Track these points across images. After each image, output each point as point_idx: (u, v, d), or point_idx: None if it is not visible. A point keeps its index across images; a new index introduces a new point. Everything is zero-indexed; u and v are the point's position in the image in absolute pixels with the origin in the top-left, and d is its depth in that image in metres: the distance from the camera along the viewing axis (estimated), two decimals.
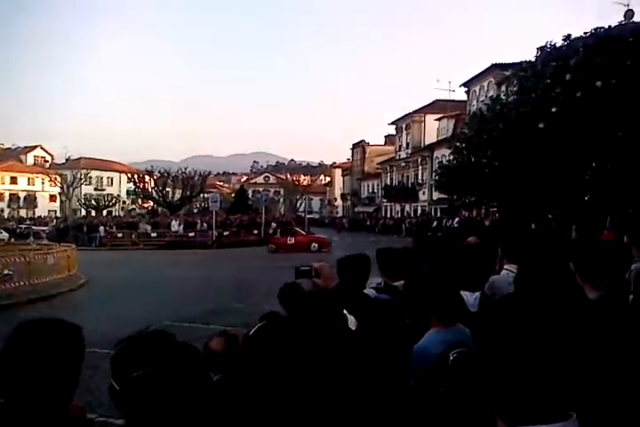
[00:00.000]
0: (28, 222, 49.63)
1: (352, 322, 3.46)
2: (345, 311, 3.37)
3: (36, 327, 1.87)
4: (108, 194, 70.72)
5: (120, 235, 36.28)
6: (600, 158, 12.18)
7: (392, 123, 60.13)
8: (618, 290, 3.05)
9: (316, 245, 30.55)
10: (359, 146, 73.26)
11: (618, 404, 2.10)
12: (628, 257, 4.14)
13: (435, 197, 41.61)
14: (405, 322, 3.48)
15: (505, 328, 1.47)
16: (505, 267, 4.28)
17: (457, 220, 30.53)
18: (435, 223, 35.55)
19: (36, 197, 73.03)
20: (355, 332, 3.25)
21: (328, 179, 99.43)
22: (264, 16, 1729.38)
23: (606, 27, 14.09)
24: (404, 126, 56.57)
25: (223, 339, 3.63)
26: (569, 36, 14.10)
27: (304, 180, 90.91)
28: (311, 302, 2.80)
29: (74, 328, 1.95)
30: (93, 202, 62.82)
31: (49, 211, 67.70)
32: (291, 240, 31.29)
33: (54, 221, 49.21)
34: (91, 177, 67.48)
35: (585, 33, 13.81)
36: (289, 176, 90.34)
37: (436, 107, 50.35)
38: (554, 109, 12.26)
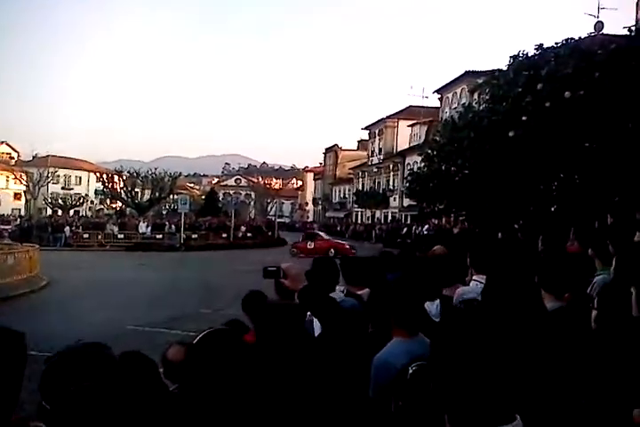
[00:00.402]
0: None
1: (316, 326, 3.40)
2: (309, 314, 3.31)
3: None
4: (75, 193, 69.40)
5: (86, 235, 35.66)
6: (567, 169, 12.34)
7: (365, 128, 60.36)
8: (577, 302, 3.06)
9: (333, 251, 28.75)
10: (332, 150, 73.32)
11: (559, 407, 2.09)
12: (589, 270, 4.16)
13: (405, 204, 41.85)
14: (368, 331, 3.43)
15: (456, 340, 1.46)
16: (473, 278, 4.24)
17: (426, 227, 30.71)
18: (404, 230, 35.73)
19: None
20: (318, 336, 3.18)
21: (300, 183, 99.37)
22: (237, 15, 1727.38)
23: (576, 38, 14.32)
24: (377, 132, 56.81)
25: (181, 348, 3.54)
26: (541, 45, 14.29)
27: (275, 183, 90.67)
28: (274, 314, 2.72)
29: (15, 336, 1.83)
30: (60, 201, 61.60)
31: (13, 209, 65.98)
32: (310, 245, 30.63)
33: (18, 219, 48.06)
34: (58, 175, 66.16)
35: (556, 43, 14.02)
36: (260, 179, 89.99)
37: (409, 113, 50.62)
38: (524, 118, 12.38)
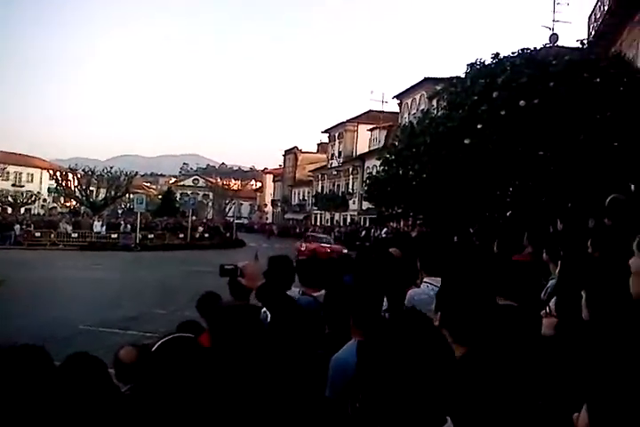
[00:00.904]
0: None
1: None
2: (265, 310, 3.32)
3: None
4: (27, 191, 67.54)
5: (38, 234, 34.69)
6: (522, 176, 12.62)
7: (325, 131, 60.59)
8: (529, 305, 3.14)
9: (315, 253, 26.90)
10: (291, 152, 73.32)
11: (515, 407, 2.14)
12: (543, 274, 4.28)
13: (364, 207, 42.14)
14: (325, 332, 3.45)
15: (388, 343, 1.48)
16: (425, 280, 4.30)
17: (385, 230, 31.05)
18: (363, 233, 36.02)
19: None
20: (272, 332, 3.17)
21: (259, 184, 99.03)
22: (198, 13, 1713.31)
23: (532, 48, 14.68)
24: (336, 135, 57.12)
25: (133, 349, 3.52)
26: (497, 54, 14.56)
27: (234, 184, 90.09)
28: (228, 315, 2.69)
29: None
30: (10, 199, 59.93)
31: None
32: (302, 247, 30.20)
33: None
34: (8, 172, 64.52)
35: (512, 53, 14.33)
36: (219, 180, 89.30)
37: (369, 117, 51.10)
38: (479, 126, 12.61)
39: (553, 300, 2.76)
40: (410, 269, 4.59)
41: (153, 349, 2.24)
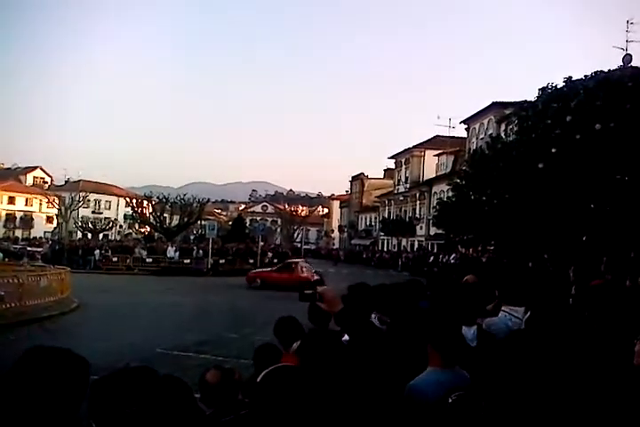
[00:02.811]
0: (22, 243, 49.43)
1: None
2: (346, 336, 3.36)
3: (46, 355, 1.83)
4: (105, 217, 70.59)
5: (115, 259, 36.08)
6: (598, 200, 12.26)
7: (392, 157, 60.54)
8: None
9: None
10: (358, 179, 73.62)
11: None
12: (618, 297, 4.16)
13: (432, 233, 41.63)
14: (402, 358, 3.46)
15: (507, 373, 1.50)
16: (502, 309, 4.25)
17: (453, 256, 30.52)
18: (431, 259, 35.50)
19: (32, 218, 73.06)
20: (353, 357, 3.21)
21: (326, 210, 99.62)
22: (266, 43, 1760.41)
23: (606, 70, 14.37)
24: (403, 161, 56.97)
25: (218, 372, 3.59)
26: (570, 78, 14.34)
27: (302, 210, 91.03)
28: (316, 344, 2.72)
29: (81, 361, 1.90)
30: (90, 225, 62.71)
31: (45, 232, 67.54)
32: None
33: (49, 242, 48.94)
34: (89, 200, 67.54)
35: (585, 76, 14.08)
36: (287, 206, 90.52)
37: (435, 142, 50.83)
38: (554, 150, 12.39)
39: None
40: (485, 295, 4.55)
41: (258, 379, 2.28)
